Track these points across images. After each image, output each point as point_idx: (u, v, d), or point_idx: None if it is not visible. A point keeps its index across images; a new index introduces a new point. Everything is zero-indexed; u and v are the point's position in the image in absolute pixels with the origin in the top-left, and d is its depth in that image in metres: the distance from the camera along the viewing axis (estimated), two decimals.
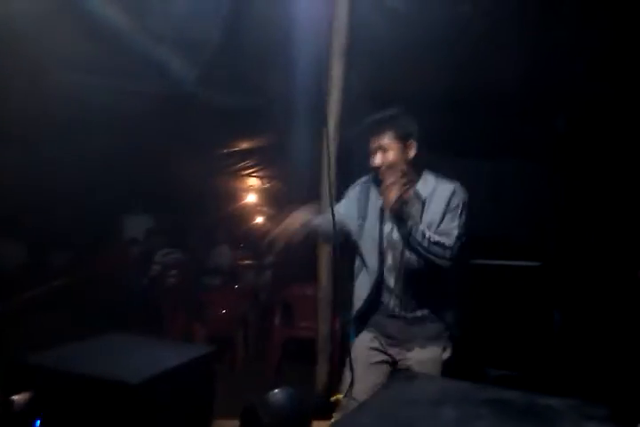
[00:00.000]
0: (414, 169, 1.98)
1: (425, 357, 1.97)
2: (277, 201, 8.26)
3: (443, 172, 2.05)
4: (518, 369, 2.83)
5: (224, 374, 3.76)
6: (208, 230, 6.39)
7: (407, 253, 1.93)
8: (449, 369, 1.97)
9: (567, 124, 4.27)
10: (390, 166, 1.93)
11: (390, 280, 2.01)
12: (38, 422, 1.23)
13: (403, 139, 1.95)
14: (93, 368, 1.27)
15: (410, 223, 1.86)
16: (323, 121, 2.95)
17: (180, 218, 6.46)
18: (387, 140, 1.94)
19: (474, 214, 1.97)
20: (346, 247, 2.16)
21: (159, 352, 1.43)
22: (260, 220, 8.79)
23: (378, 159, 1.95)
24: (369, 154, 1.99)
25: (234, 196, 8.62)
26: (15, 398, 1.22)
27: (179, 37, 3.60)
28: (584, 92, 3.84)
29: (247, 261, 6.24)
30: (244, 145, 6.81)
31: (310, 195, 3.10)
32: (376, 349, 2.05)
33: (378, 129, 1.96)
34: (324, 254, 3.26)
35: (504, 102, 4.09)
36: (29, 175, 4.70)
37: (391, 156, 1.94)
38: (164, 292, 4.95)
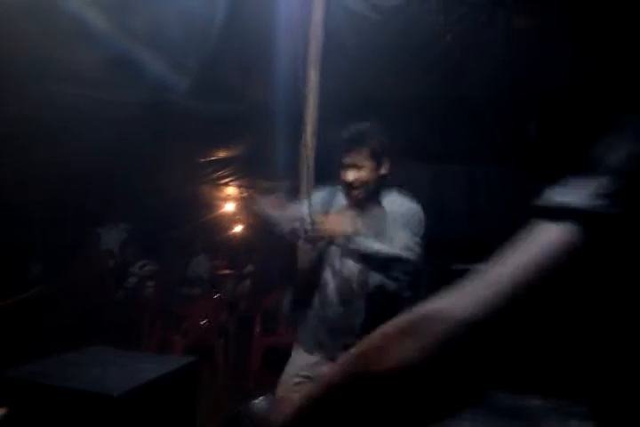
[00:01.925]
0: (382, 185, 2.01)
1: None
2: (255, 210, 8.21)
3: (417, 176, 2.08)
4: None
5: (205, 383, 3.73)
6: (186, 241, 6.34)
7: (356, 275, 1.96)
8: None
9: (538, 129, 4.36)
10: (361, 184, 1.94)
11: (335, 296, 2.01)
12: None
13: (377, 157, 1.95)
14: (73, 381, 1.25)
15: (357, 248, 1.85)
16: (300, 128, 2.96)
17: (157, 228, 6.39)
18: (361, 157, 1.93)
19: (450, 218, 2.00)
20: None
21: (140, 364, 1.42)
22: (238, 229, 8.74)
23: (350, 176, 1.94)
24: (340, 167, 1.99)
25: (212, 205, 8.55)
26: None
27: (156, 44, 3.58)
28: (555, 97, 3.93)
29: (226, 271, 6.21)
30: (222, 154, 6.78)
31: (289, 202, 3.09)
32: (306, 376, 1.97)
33: (352, 145, 1.95)
34: (304, 260, 3.25)
35: (477, 108, 4.16)
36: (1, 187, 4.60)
37: (364, 173, 1.94)
38: (142, 304, 4.89)
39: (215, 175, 7.66)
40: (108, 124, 4.51)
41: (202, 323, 4.45)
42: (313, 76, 3.16)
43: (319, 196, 2.13)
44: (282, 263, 3.54)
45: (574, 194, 0.44)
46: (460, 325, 0.42)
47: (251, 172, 7.19)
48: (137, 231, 5.99)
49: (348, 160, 1.95)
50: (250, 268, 5.93)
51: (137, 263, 5.31)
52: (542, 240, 0.44)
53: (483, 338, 0.43)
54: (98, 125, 4.49)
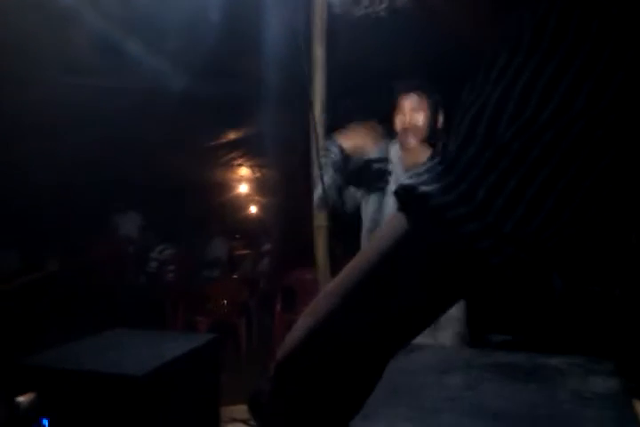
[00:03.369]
0: (436, 139, 1.91)
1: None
2: (269, 189, 8.24)
3: None
4: (522, 333, 2.85)
5: (229, 362, 3.79)
6: (202, 223, 6.38)
7: None
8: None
9: None
10: (417, 130, 1.87)
11: None
12: (46, 421, 1.22)
13: (433, 106, 1.89)
14: (97, 364, 1.27)
15: None
16: (308, 105, 2.92)
17: (173, 213, 6.43)
18: (419, 101, 1.87)
19: None
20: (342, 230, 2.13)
21: (162, 344, 1.43)
22: (253, 209, 8.77)
23: (407, 118, 1.88)
24: (398, 112, 1.92)
25: (225, 187, 8.58)
26: (20, 399, 1.21)
27: (153, 28, 3.53)
28: None
29: (244, 251, 6.24)
30: (232, 135, 6.76)
31: (300, 181, 3.07)
32: None
33: (411, 92, 1.89)
34: (321, 238, 3.25)
35: None
36: (14, 176, 4.63)
37: (421, 118, 1.88)
38: (164, 288, 4.95)
39: (227, 157, 7.66)
40: (118, 111, 4.51)
41: (224, 303, 4.50)
42: (319, 52, 3.11)
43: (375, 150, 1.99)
44: (299, 240, 3.54)
45: (420, 179, 0.41)
46: None
47: (261, 152, 7.17)
48: (154, 216, 6.03)
49: (408, 104, 1.89)
50: (267, 246, 5.95)
51: (156, 248, 5.36)
52: (387, 228, 0.44)
53: None
54: (107, 113, 4.49)
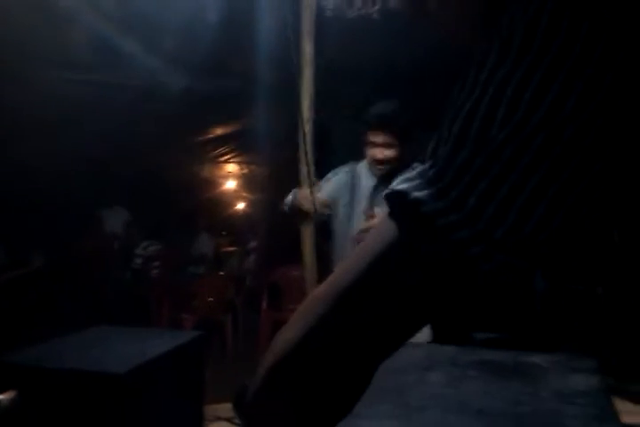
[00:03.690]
0: (406, 163, 2.09)
1: None
2: (256, 186, 8.22)
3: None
4: (505, 331, 2.88)
5: (215, 359, 3.78)
6: (188, 220, 6.35)
7: None
8: (435, 336, 2.00)
9: None
10: (390, 161, 2.07)
11: None
12: None
13: (403, 136, 2.07)
14: (79, 362, 1.26)
15: None
16: (296, 100, 2.91)
17: (159, 209, 6.40)
18: (391, 137, 2.05)
19: None
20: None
21: (145, 341, 1.42)
22: (240, 206, 8.74)
23: (380, 154, 2.06)
24: (368, 145, 2.11)
25: (212, 183, 8.54)
26: (0, 397, 1.20)
27: (146, 25, 3.51)
28: None
29: (230, 248, 6.22)
30: (219, 131, 6.72)
31: (289, 176, 3.07)
32: None
33: (382, 125, 2.06)
34: (308, 235, 3.24)
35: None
36: (3, 173, 4.58)
37: (393, 151, 2.06)
38: (149, 284, 4.92)
39: (215, 153, 7.62)
40: (104, 107, 4.47)
41: (210, 300, 4.49)
42: (307, 48, 3.09)
43: (339, 179, 2.23)
44: (286, 237, 3.54)
45: (408, 182, 0.41)
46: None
47: (249, 148, 7.15)
48: (140, 212, 5.99)
49: (377, 139, 2.06)
50: (254, 243, 5.94)
51: (141, 244, 5.32)
52: (377, 232, 0.44)
53: None
54: (94, 109, 4.45)
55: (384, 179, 2.12)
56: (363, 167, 2.21)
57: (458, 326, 2.27)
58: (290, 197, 2.26)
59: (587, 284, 3.54)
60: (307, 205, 2.14)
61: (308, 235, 3.23)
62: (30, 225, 4.92)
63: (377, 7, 2.05)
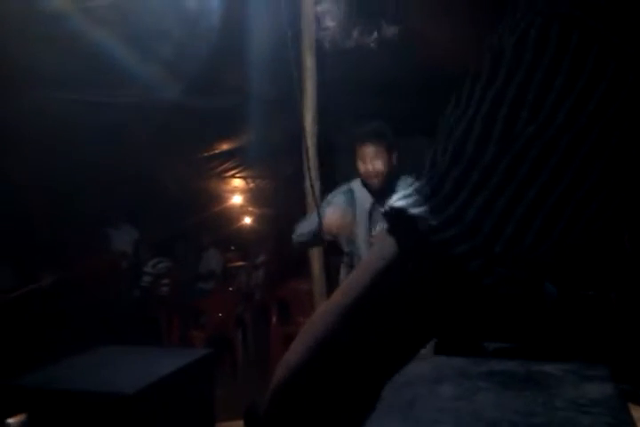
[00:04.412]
0: (395, 174, 2.31)
1: None
2: (263, 200, 8.24)
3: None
4: (516, 341, 2.85)
5: (225, 376, 3.75)
6: (196, 236, 6.35)
7: None
8: (446, 348, 1.99)
9: None
10: (381, 173, 2.24)
11: None
12: None
13: (389, 150, 2.27)
14: (87, 383, 1.25)
15: None
16: (299, 115, 2.93)
17: (166, 225, 6.41)
18: (380, 150, 2.24)
19: None
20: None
21: (154, 360, 1.41)
22: (247, 220, 8.75)
23: (371, 166, 2.24)
24: (355, 160, 2.29)
25: (219, 198, 8.56)
26: (10, 421, 1.19)
27: (147, 43, 3.55)
28: None
29: (239, 263, 6.22)
30: (225, 146, 6.76)
31: (294, 191, 3.07)
32: None
33: (371, 140, 2.25)
34: (316, 249, 3.24)
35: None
36: (4, 193, 4.61)
37: (382, 164, 2.24)
38: (158, 301, 4.91)
39: (220, 168, 7.66)
40: (107, 126, 4.51)
41: (219, 316, 4.47)
42: (309, 63, 3.11)
43: (340, 200, 2.38)
44: (294, 251, 3.54)
45: (408, 198, 0.41)
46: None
47: (254, 163, 7.19)
48: (147, 229, 6.00)
49: (368, 150, 2.25)
50: (262, 258, 5.93)
51: (150, 262, 5.32)
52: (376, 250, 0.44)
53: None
54: (96, 129, 4.48)
55: (380, 195, 2.27)
56: (357, 185, 2.39)
57: (467, 337, 2.28)
58: (304, 227, 2.36)
59: (599, 289, 3.50)
60: (336, 231, 2.25)
61: (316, 249, 3.23)
62: (37, 244, 4.94)
63: (374, 36, 2.06)
